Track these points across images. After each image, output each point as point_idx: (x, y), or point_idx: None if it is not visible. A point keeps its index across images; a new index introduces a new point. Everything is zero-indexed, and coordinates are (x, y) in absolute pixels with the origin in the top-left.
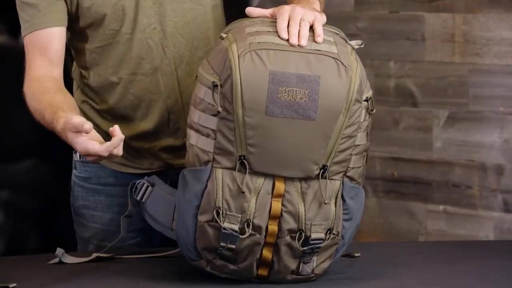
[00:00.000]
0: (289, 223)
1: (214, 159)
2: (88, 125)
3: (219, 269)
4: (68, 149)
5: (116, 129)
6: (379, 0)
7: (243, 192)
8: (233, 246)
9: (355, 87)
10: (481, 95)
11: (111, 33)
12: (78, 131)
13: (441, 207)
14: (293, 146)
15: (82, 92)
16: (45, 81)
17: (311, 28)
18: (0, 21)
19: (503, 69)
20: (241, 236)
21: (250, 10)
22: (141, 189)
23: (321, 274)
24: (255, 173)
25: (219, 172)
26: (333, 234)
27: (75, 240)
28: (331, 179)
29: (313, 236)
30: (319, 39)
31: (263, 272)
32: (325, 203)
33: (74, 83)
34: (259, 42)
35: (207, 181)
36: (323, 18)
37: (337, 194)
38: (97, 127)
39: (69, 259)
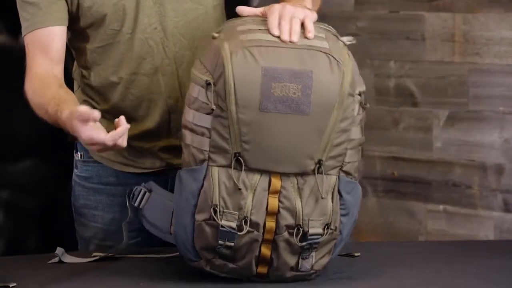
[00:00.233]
0: (287, 219)
1: (209, 157)
2: (97, 112)
3: (219, 268)
4: (68, 149)
5: (121, 119)
6: (379, 0)
7: (240, 189)
8: (232, 244)
9: (347, 81)
10: (481, 95)
11: (112, 33)
12: (85, 119)
13: (441, 207)
14: (288, 142)
15: (83, 92)
16: (47, 78)
17: (302, 25)
18: (0, 20)
19: (503, 69)
20: (239, 233)
21: (241, 9)
22: (138, 195)
23: (321, 270)
24: (250, 170)
25: (215, 170)
26: (331, 229)
27: (75, 240)
28: (327, 174)
29: (311, 231)
30: (310, 34)
31: (263, 269)
32: (322, 198)
33: (75, 83)
34: (250, 40)
35: (203, 180)
36: (313, 15)
37: (334, 189)
38: None
39: (69, 258)
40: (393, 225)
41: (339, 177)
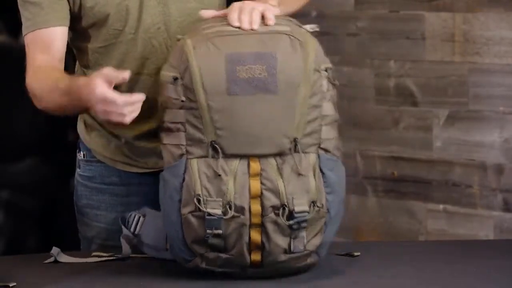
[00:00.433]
0: (271, 199)
1: (187, 151)
2: (127, 73)
3: (213, 262)
4: (68, 149)
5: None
6: (379, 0)
7: (220, 175)
8: (220, 232)
9: (311, 58)
10: (481, 95)
11: (115, 33)
12: (110, 81)
13: (441, 207)
14: (261, 123)
15: None
16: (51, 67)
17: (263, 17)
18: (0, 20)
19: (503, 69)
20: (224, 217)
21: (203, 12)
22: (133, 221)
23: (315, 251)
24: (228, 156)
25: (194, 162)
26: (318, 206)
27: (76, 239)
28: (305, 152)
29: (297, 209)
30: (270, 22)
31: (256, 257)
32: (300, 174)
33: None
34: (212, 32)
35: (184, 174)
36: (275, 9)
37: (315, 167)
38: (100, 126)
39: (65, 258)
40: (393, 225)
41: (318, 155)
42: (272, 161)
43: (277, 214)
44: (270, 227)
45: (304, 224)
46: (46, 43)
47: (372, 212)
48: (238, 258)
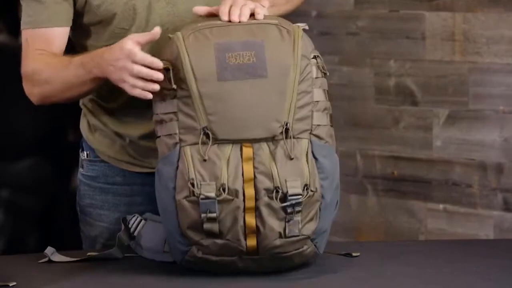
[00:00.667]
0: (264, 182)
1: (180, 139)
2: (157, 29)
3: (209, 250)
4: (68, 149)
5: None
6: None
7: (212, 160)
8: (214, 215)
9: (299, 45)
10: (481, 94)
11: (120, 32)
12: (141, 41)
13: (441, 206)
14: (252, 107)
15: None
16: (53, 54)
17: (253, 14)
18: (0, 20)
19: (503, 68)
20: (218, 199)
21: (196, 9)
22: (133, 223)
23: (310, 237)
24: (221, 142)
25: (187, 150)
26: (311, 190)
27: (76, 239)
28: (298, 137)
29: (290, 191)
30: (259, 16)
31: (252, 241)
32: (294, 159)
33: None
34: (201, 25)
35: (178, 161)
36: (264, 9)
37: (307, 152)
38: (104, 126)
39: (59, 258)
40: (393, 224)
41: (310, 141)
42: (264, 146)
43: (270, 198)
44: (264, 210)
45: (298, 208)
46: (46, 41)
47: (372, 212)
48: (234, 244)
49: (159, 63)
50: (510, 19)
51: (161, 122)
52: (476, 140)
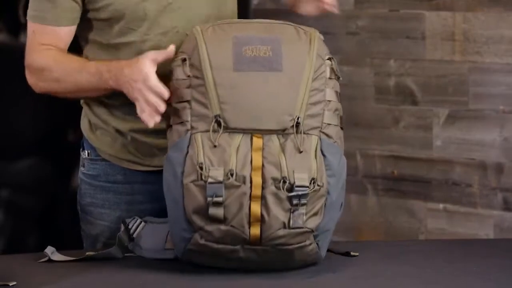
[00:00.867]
0: (272, 172)
1: (192, 126)
2: (171, 47)
3: (212, 236)
4: (68, 148)
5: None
6: None
7: (222, 147)
8: (220, 199)
9: (315, 45)
10: (481, 94)
11: (128, 32)
12: (156, 59)
13: (441, 206)
14: (265, 98)
15: None
16: (64, 53)
17: None
18: (0, 20)
19: (503, 68)
20: (225, 182)
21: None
22: (133, 225)
23: (315, 230)
24: (232, 131)
25: (198, 136)
26: (318, 185)
27: (76, 239)
28: (308, 133)
29: (297, 182)
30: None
31: (255, 230)
32: (303, 152)
33: None
34: (220, 21)
35: (188, 147)
36: None
37: (316, 148)
38: (105, 124)
39: (59, 257)
40: (393, 224)
41: (320, 138)
42: (274, 138)
43: (277, 187)
44: (270, 199)
45: (303, 200)
46: (53, 37)
47: (372, 211)
48: (238, 230)
49: (166, 95)
50: (510, 19)
51: (174, 111)
52: (476, 140)
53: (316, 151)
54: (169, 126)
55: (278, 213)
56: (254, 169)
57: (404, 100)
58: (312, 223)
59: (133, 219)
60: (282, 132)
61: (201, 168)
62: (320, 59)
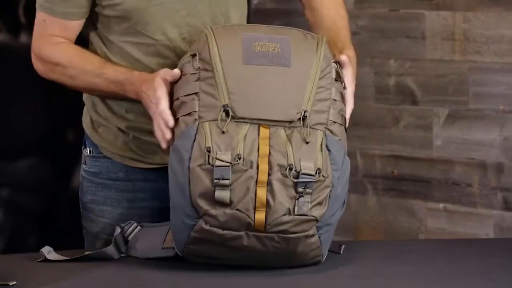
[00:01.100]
0: (279, 159)
1: (200, 116)
2: (177, 71)
3: (217, 221)
4: (68, 148)
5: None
6: None
7: (230, 133)
8: (227, 182)
9: (322, 47)
10: (481, 93)
11: (134, 32)
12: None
13: (441, 205)
14: (272, 90)
15: None
16: (79, 49)
17: None
18: (0, 19)
19: (503, 67)
20: (232, 164)
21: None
22: (129, 228)
23: (319, 220)
24: (239, 120)
25: (205, 124)
26: (323, 176)
27: (76, 238)
28: (313, 127)
29: (303, 171)
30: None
31: (261, 215)
32: (307, 142)
33: None
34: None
35: (196, 135)
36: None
37: (322, 142)
38: (107, 122)
39: (55, 257)
40: (393, 224)
41: (325, 134)
42: (281, 130)
43: (284, 174)
44: (276, 184)
45: (309, 189)
46: (63, 29)
47: (372, 211)
48: (243, 214)
49: (170, 123)
50: (510, 19)
51: (182, 103)
52: (476, 140)
53: (321, 145)
54: (176, 120)
55: (284, 199)
56: (261, 156)
57: (404, 100)
58: (316, 212)
59: (129, 223)
60: (289, 124)
61: (209, 151)
62: (327, 60)
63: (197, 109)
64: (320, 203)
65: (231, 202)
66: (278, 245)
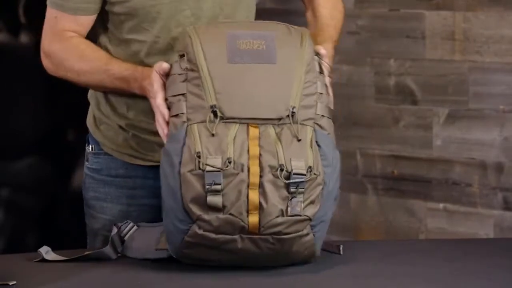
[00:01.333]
0: (269, 160)
1: (188, 118)
2: (166, 65)
3: (210, 225)
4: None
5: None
6: None
7: (219, 135)
8: (219, 187)
9: (306, 40)
10: (481, 93)
11: (140, 30)
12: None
13: (441, 205)
14: (260, 88)
15: None
16: (88, 44)
17: None
18: (0, 19)
19: (503, 67)
20: (224, 169)
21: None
22: (125, 228)
23: (313, 219)
24: (228, 121)
25: (194, 127)
26: (314, 174)
27: (76, 238)
28: (302, 123)
29: (295, 170)
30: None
31: (254, 218)
32: (299, 140)
33: None
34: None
35: (185, 138)
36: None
37: (311, 139)
38: (108, 119)
39: (53, 256)
40: (393, 224)
41: (314, 129)
42: (270, 128)
43: (275, 176)
44: (268, 186)
45: (301, 188)
46: (75, 23)
47: (372, 211)
48: (236, 219)
49: (166, 116)
50: (510, 19)
51: (169, 105)
52: (476, 139)
53: (311, 141)
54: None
55: (276, 201)
56: (251, 157)
57: (404, 100)
58: (309, 211)
59: (126, 222)
60: (277, 121)
61: (199, 157)
62: (311, 54)
63: (184, 111)
64: (312, 202)
65: (223, 206)
66: (272, 246)
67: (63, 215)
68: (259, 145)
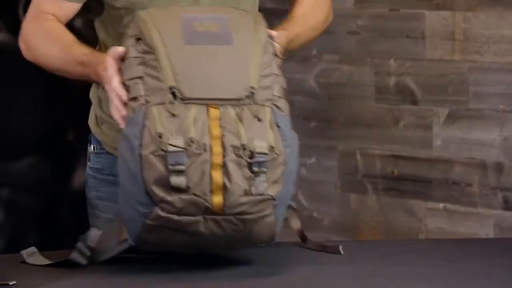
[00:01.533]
0: (231, 140)
1: (146, 101)
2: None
3: (173, 207)
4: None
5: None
6: None
7: (179, 116)
8: (183, 167)
9: (261, 23)
10: (481, 93)
11: None
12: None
13: (441, 205)
14: (218, 69)
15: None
16: (59, 26)
17: None
18: (0, 19)
19: (503, 67)
20: (187, 149)
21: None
22: (90, 236)
23: (276, 197)
24: (187, 101)
25: (153, 109)
26: (276, 153)
27: (75, 238)
28: (261, 104)
29: (257, 150)
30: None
31: (218, 198)
32: (260, 120)
33: None
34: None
35: (144, 120)
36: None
37: (271, 119)
38: (109, 117)
39: (35, 260)
40: (393, 224)
41: (273, 110)
42: (230, 109)
43: (238, 155)
44: (231, 166)
45: (264, 168)
46: (54, 6)
47: (372, 211)
48: (200, 199)
49: (124, 97)
50: (510, 19)
51: (126, 89)
52: (476, 139)
53: (271, 121)
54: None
55: (240, 180)
56: (213, 138)
57: (404, 100)
58: (272, 191)
59: (90, 230)
60: (237, 102)
61: (161, 137)
62: (265, 36)
63: (142, 93)
64: (275, 182)
65: (187, 187)
66: (235, 227)
67: (63, 215)
68: (221, 126)
